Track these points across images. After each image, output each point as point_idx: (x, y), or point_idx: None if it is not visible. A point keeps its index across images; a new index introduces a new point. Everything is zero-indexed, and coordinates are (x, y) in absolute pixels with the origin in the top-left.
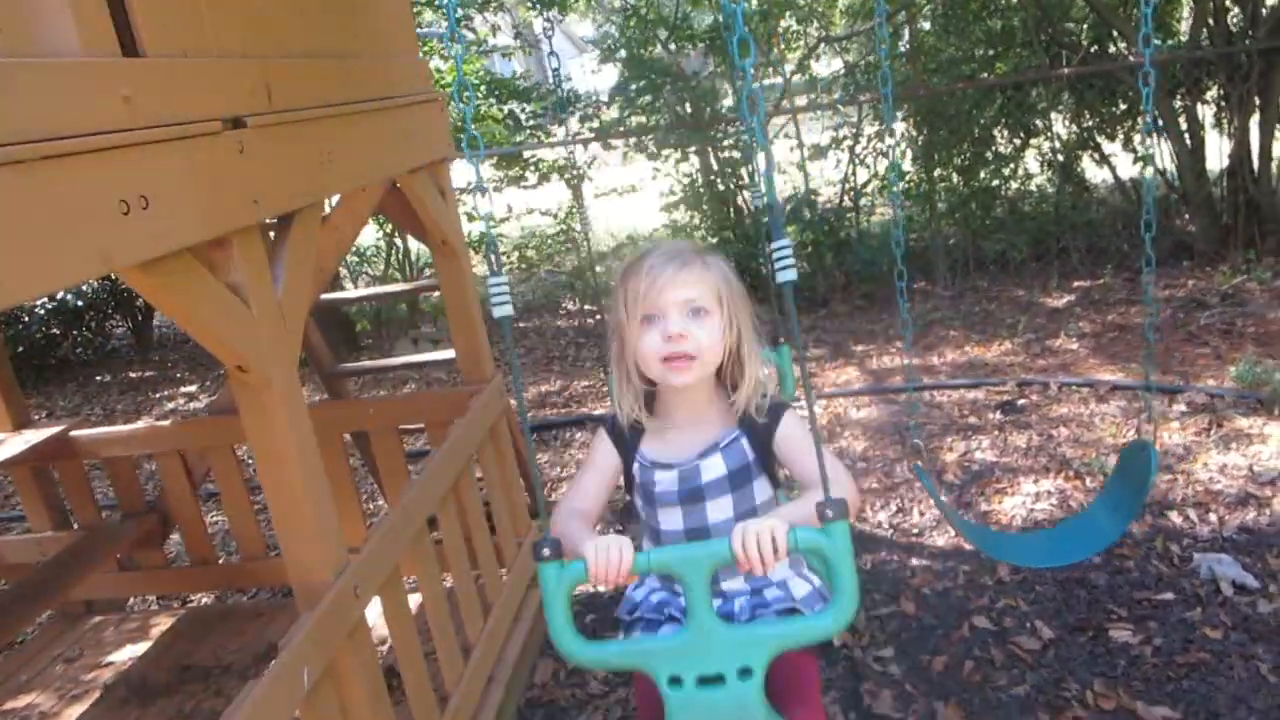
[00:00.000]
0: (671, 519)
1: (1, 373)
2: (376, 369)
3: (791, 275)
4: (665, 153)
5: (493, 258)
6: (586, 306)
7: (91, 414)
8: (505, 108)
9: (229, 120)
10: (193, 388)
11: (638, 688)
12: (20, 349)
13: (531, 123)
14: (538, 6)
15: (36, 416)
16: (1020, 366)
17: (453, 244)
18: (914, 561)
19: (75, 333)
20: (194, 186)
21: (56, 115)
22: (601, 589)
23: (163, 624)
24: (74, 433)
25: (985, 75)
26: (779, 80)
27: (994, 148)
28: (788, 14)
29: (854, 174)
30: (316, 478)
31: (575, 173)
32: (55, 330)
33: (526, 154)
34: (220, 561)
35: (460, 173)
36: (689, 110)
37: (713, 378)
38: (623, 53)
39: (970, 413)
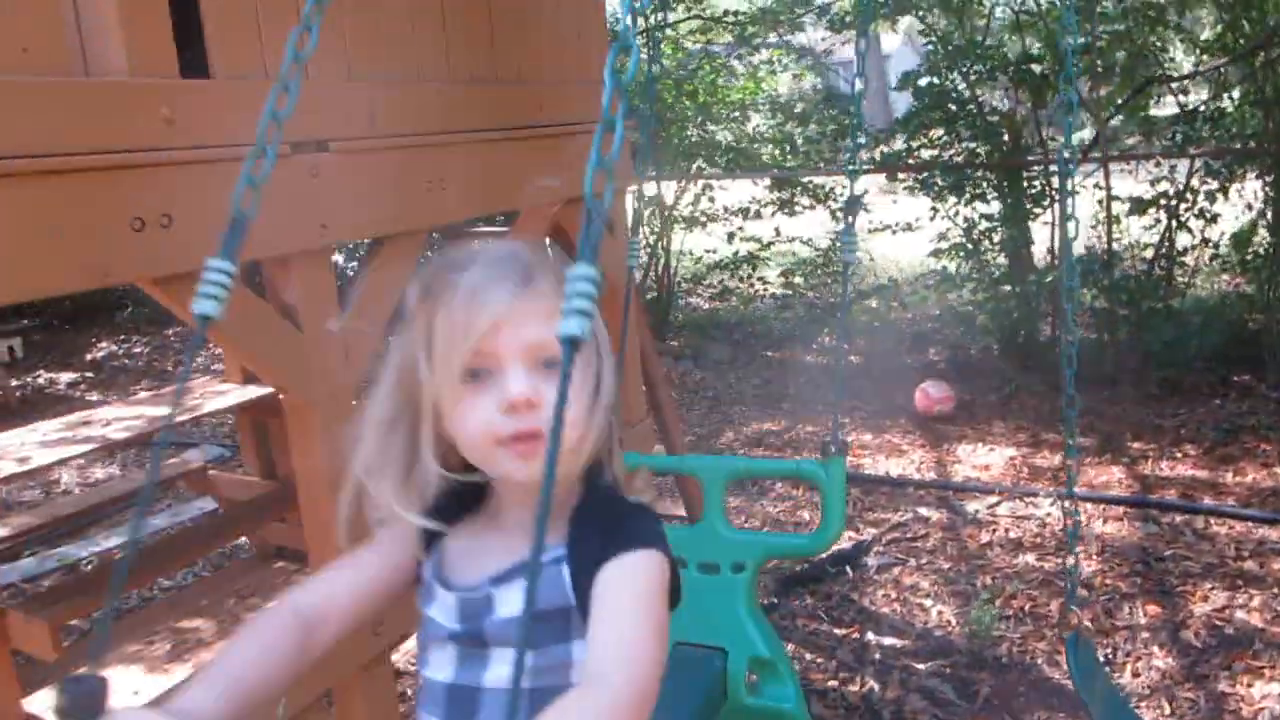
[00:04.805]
0: (440, 662)
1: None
2: None
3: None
4: (952, 192)
5: None
6: (833, 343)
7: None
8: (787, 129)
9: (308, 143)
10: None
11: None
12: None
13: (805, 147)
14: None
15: None
16: None
17: (611, 280)
18: None
19: None
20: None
21: (69, 132)
22: None
23: None
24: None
25: None
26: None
27: None
28: (1120, 50)
29: (1171, 238)
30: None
31: (851, 204)
32: None
33: (804, 179)
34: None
35: (735, 193)
36: (985, 148)
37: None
38: (924, 80)
39: (1251, 555)
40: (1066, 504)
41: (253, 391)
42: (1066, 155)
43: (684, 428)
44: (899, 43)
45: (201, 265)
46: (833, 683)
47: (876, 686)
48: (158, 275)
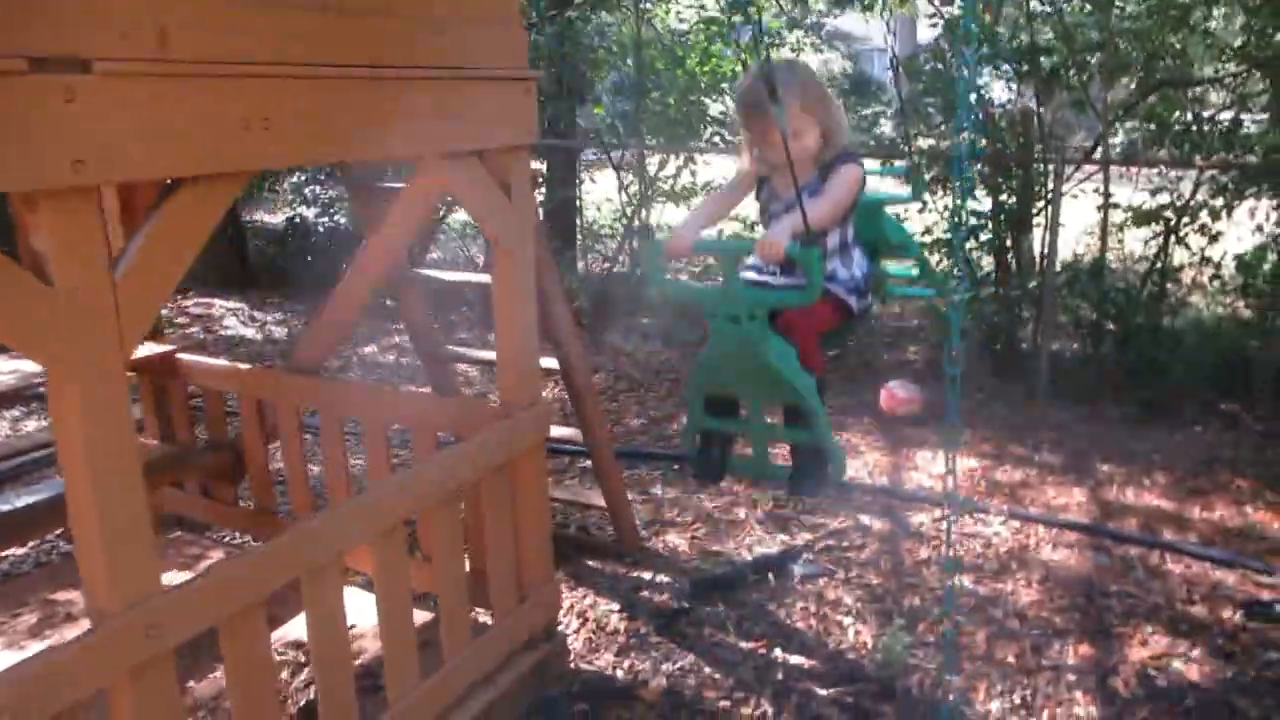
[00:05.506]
0: (780, 216)
1: None
2: (480, 361)
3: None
4: (941, 184)
5: None
6: None
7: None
8: None
9: (58, 61)
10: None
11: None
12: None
13: None
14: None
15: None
16: None
17: (504, 244)
18: None
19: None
20: None
21: None
22: None
23: (213, 559)
24: (180, 355)
25: None
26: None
27: None
28: (1133, 50)
29: (1167, 254)
30: (117, 501)
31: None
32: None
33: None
34: (279, 513)
35: (719, 168)
36: (984, 141)
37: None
38: (929, 65)
39: (1202, 599)
40: (947, 553)
41: (146, 349)
42: (957, 146)
43: (639, 409)
44: (937, 32)
45: None
46: (725, 703)
47: (770, 710)
48: None
